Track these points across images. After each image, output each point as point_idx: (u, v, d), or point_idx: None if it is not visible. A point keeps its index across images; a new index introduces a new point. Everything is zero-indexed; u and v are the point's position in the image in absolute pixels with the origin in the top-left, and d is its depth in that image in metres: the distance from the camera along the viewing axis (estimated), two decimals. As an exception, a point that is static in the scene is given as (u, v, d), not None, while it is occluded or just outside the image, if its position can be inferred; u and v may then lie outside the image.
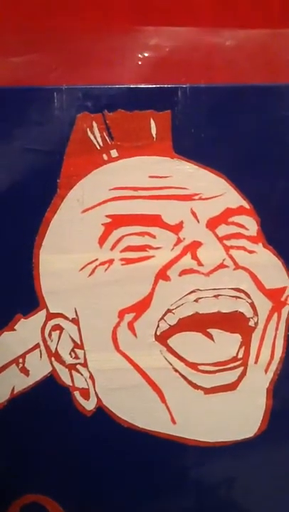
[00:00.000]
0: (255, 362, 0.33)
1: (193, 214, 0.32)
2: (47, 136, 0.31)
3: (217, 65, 0.34)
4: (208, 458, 0.33)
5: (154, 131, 0.31)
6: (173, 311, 0.32)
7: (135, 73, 0.33)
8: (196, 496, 0.34)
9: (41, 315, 0.32)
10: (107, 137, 0.31)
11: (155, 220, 0.31)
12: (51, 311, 0.32)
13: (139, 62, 0.34)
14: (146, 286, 0.32)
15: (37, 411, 0.32)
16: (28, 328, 0.32)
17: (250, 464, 0.34)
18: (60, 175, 0.31)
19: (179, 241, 0.32)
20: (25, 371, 0.32)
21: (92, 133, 0.31)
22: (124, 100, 0.31)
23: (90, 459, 0.33)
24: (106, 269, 0.31)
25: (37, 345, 0.32)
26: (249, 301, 0.32)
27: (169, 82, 0.31)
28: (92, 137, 0.31)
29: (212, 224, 0.32)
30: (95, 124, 0.31)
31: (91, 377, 0.32)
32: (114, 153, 0.31)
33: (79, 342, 0.32)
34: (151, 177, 0.31)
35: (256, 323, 0.32)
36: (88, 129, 0.31)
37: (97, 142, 0.31)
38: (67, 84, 0.31)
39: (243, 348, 0.32)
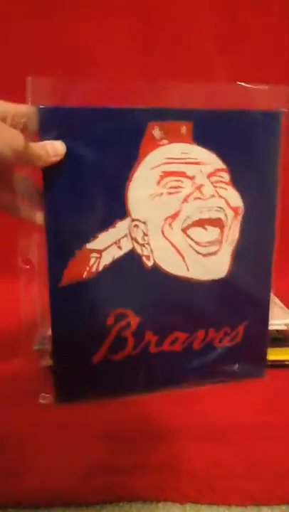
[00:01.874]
0: (226, 241, 0.69)
1: (200, 171, 0.66)
2: (130, 133, 0.63)
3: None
4: (203, 288, 0.70)
5: (184, 131, 0.64)
6: (190, 217, 0.67)
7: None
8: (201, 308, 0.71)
9: (128, 219, 0.65)
10: (161, 133, 0.64)
11: (183, 174, 0.66)
12: (133, 218, 0.65)
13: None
14: (177, 205, 0.66)
15: (124, 268, 0.66)
16: (122, 226, 0.65)
17: (223, 290, 0.71)
18: (139, 150, 0.64)
19: (193, 184, 0.66)
20: (119, 247, 0.66)
21: (155, 131, 0.63)
22: (170, 115, 0.63)
23: (150, 285, 0.68)
24: (160, 197, 0.65)
25: (126, 235, 0.65)
26: (224, 212, 0.68)
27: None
28: (154, 133, 0.63)
29: (209, 176, 0.67)
30: (156, 127, 0.63)
31: (151, 250, 0.67)
32: (165, 141, 0.64)
33: (146, 233, 0.66)
34: (182, 152, 0.65)
35: (226, 224, 0.69)
36: (153, 129, 0.63)
37: (157, 135, 0.64)
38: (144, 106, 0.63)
39: (220, 234, 0.69)
